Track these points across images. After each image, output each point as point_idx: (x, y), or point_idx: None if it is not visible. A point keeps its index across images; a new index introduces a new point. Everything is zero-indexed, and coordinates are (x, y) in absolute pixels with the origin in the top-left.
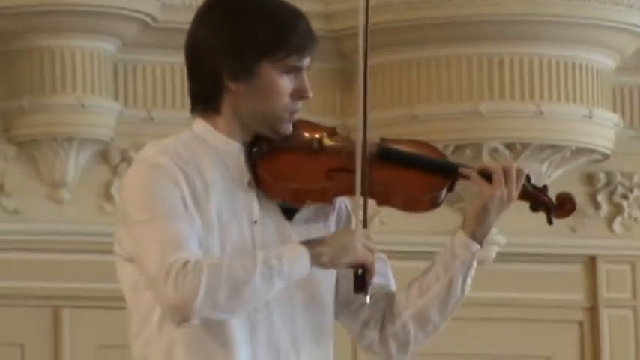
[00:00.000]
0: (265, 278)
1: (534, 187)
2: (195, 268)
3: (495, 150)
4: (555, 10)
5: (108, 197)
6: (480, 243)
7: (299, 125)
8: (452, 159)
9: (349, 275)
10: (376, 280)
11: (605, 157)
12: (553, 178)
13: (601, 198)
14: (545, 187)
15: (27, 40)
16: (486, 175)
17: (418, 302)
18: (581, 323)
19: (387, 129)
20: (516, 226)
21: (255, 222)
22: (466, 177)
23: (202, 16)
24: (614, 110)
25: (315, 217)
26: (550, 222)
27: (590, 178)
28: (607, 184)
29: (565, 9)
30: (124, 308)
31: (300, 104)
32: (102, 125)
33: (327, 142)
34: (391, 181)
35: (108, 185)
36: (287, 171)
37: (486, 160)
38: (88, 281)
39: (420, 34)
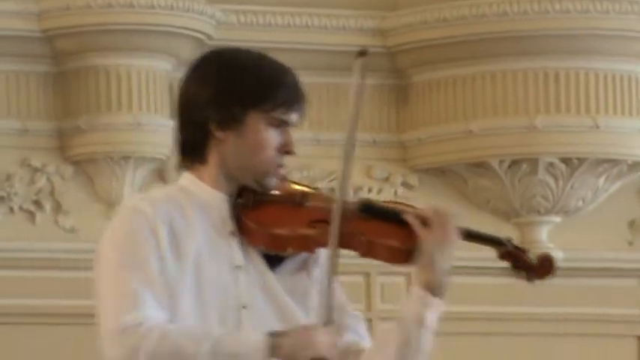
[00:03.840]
0: (212, 356)
1: (515, 247)
2: (145, 334)
3: (551, 164)
4: (611, 24)
5: None
6: (438, 294)
7: (284, 182)
8: (508, 174)
9: None
10: (349, 337)
11: None
12: (610, 192)
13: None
14: (525, 249)
15: (83, 59)
16: (424, 221)
17: (379, 359)
18: (639, 338)
19: (443, 144)
20: (573, 241)
21: (240, 267)
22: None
23: (193, 70)
24: None
25: (297, 268)
26: (530, 281)
27: None
28: None
29: (620, 23)
30: None
31: (285, 159)
32: (158, 143)
33: (310, 196)
34: (372, 233)
35: None
36: (270, 218)
37: (425, 206)
38: None
39: (475, 49)
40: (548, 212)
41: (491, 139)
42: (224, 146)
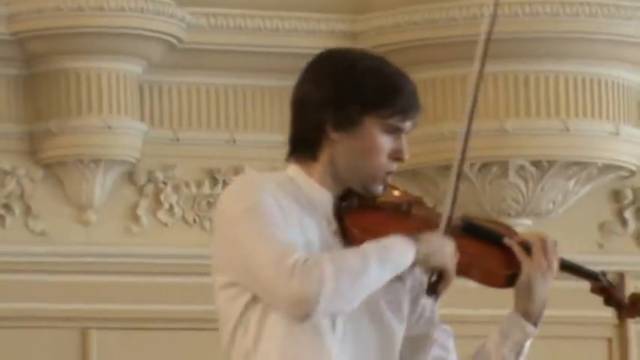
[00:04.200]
0: (379, 265)
1: (610, 283)
2: (317, 263)
3: (522, 167)
4: (580, 27)
5: (134, 218)
6: (535, 322)
7: (389, 188)
8: (479, 177)
9: (407, 342)
10: (437, 352)
11: (632, 173)
12: (580, 195)
13: (628, 214)
14: (617, 285)
15: (53, 62)
16: (527, 248)
17: None
18: (609, 340)
19: (414, 147)
20: None
21: None
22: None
23: (311, 69)
24: None
25: (393, 278)
26: (620, 318)
27: (617, 195)
28: (634, 201)
29: (590, 26)
30: (151, 329)
31: (395, 166)
32: (128, 146)
33: (416, 207)
34: (472, 253)
35: (134, 206)
36: (374, 226)
37: (523, 231)
38: (115, 302)
39: (445, 53)
40: (518, 215)
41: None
42: (337, 147)
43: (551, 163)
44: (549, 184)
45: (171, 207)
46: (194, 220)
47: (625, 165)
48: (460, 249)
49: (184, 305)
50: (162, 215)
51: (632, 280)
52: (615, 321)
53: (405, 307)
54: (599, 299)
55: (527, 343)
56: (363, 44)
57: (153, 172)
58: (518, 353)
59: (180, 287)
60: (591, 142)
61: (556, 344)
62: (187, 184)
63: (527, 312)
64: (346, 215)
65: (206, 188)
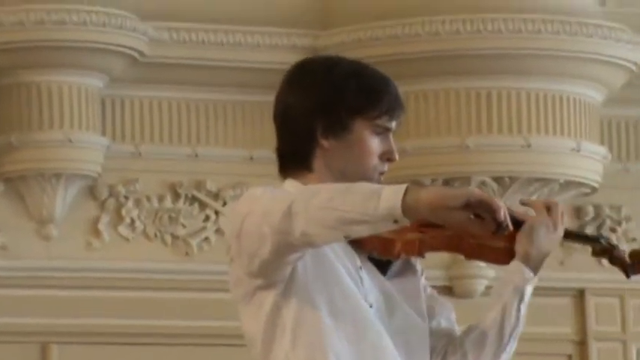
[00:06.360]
0: (340, 190)
1: (610, 244)
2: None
3: (484, 183)
4: (543, 44)
5: (96, 233)
6: (534, 270)
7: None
8: None
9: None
10: (444, 324)
11: (594, 190)
12: None
13: (589, 231)
14: (616, 245)
15: (14, 75)
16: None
17: (476, 329)
18: (570, 357)
19: None
20: None
21: (360, 267)
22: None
23: (292, 78)
24: (602, 143)
25: (405, 270)
26: (627, 276)
27: (578, 211)
28: (595, 217)
29: (552, 43)
30: (111, 344)
31: (386, 166)
32: (89, 161)
33: None
34: (480, 237)
35: (95, 221)
36: None
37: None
38: (75, 317)
39: (407, 69)
40: None
41: (423, 158)
42: (329, 154)
43: (512, 179)
44: (511, 200)
45: (132, 221)
46: (155, 235)
47: (586, 182)
48: (469, 235)
49: (145, 320)
50: (123, 230)
51: (592, 296)
52: (575, 337)
53: (422, 298)
54: (559, 316)
55: (528, 290)
56: None
57: (114, 186)
58: (520, 300)
59: (141, 302)
60: (553, 158)
61: None
62: (149, 199)
63: (527, 255)
64: None
65: (168, 202)
